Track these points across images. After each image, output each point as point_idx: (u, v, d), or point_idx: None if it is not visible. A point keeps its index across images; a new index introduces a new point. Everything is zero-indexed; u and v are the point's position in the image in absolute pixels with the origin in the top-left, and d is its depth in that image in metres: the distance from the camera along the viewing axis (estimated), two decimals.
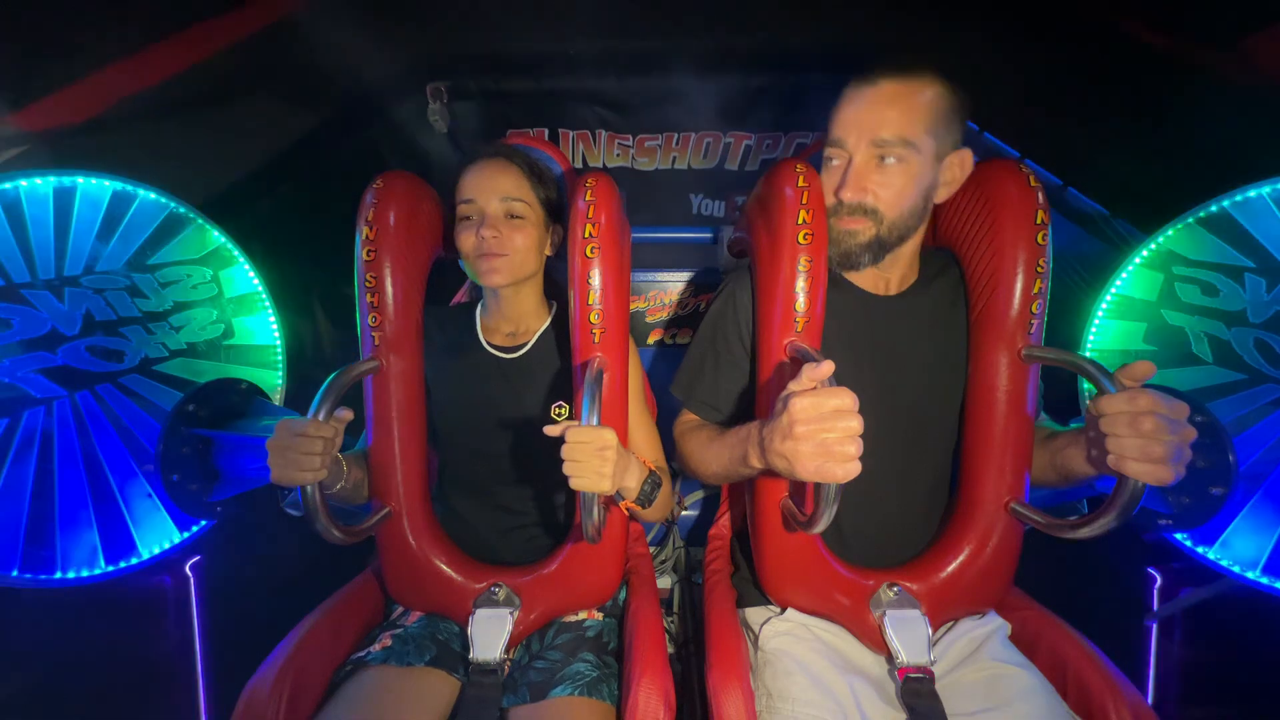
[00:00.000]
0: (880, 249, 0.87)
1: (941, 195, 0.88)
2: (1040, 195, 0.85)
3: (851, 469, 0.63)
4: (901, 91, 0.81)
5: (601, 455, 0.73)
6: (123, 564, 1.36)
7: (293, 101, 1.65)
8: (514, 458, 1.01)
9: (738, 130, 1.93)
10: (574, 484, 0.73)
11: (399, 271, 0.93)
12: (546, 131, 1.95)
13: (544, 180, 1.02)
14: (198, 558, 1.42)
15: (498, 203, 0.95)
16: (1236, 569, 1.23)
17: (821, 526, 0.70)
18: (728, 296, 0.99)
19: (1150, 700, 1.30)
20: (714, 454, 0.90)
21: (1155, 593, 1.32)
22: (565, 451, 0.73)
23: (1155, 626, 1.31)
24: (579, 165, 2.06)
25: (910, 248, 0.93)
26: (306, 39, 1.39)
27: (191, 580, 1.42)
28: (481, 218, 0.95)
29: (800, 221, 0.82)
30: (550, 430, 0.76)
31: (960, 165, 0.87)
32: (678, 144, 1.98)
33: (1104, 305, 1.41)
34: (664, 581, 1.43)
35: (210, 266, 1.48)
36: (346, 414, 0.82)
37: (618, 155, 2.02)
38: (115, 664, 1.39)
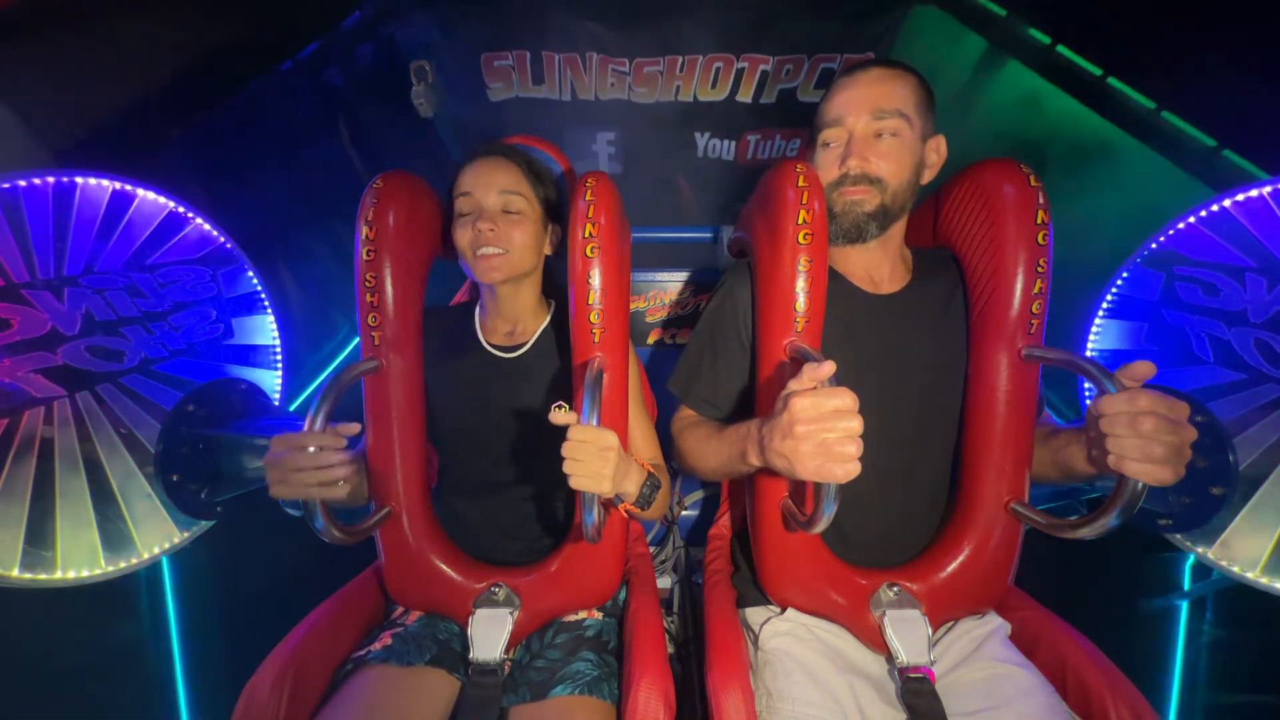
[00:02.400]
0: (885, 218, 0.90)
1: (926, 176, 0.94)
2: (1041, 195, 0.85)
3: (851, 469, 0.63)
4: (890, 75, 0.89)
5: (603, 456, 0.73)
6: (123, 564, 1.36)
7: (210, 11, 1.38)
8: (514, 457, 1.01)
9: (752, 53, 1.65)
10: (574, 483, 0.73)
11: (399, 271, 0.93)
12: (529, 55, 1.69)
13: (543, 179, 1.02)
14: (170, 544, 1.40)
15: (495, 196, 0.95)
16: (1236, 569, 1.23)
17: (821, 526, 0.70)
18: (725, 293, 0.99)
19: (1177, 683, 1.26)
20: (712, 451, 0.90)
21: (1188, 571, 1.28)
22: (566, 450, 0.73)
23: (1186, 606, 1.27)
24: (567, 97, 1.79)
25: (899, 232, 0.96)
26: None
27: (165, 568, 1.40)
28: (478, 211, 0.95)
29: (800, 221, 0.82)
30: (554, 418, 0.75)
31: (937, 150, 0.93)
32: (682, 70, 1.67)
33: (1104, 305, 1.41)
34: (664, 581, 1.43)
35: (210, 266, 1.48)
36: (352, 427, 0.81)
37: (612, 85, 1.74)
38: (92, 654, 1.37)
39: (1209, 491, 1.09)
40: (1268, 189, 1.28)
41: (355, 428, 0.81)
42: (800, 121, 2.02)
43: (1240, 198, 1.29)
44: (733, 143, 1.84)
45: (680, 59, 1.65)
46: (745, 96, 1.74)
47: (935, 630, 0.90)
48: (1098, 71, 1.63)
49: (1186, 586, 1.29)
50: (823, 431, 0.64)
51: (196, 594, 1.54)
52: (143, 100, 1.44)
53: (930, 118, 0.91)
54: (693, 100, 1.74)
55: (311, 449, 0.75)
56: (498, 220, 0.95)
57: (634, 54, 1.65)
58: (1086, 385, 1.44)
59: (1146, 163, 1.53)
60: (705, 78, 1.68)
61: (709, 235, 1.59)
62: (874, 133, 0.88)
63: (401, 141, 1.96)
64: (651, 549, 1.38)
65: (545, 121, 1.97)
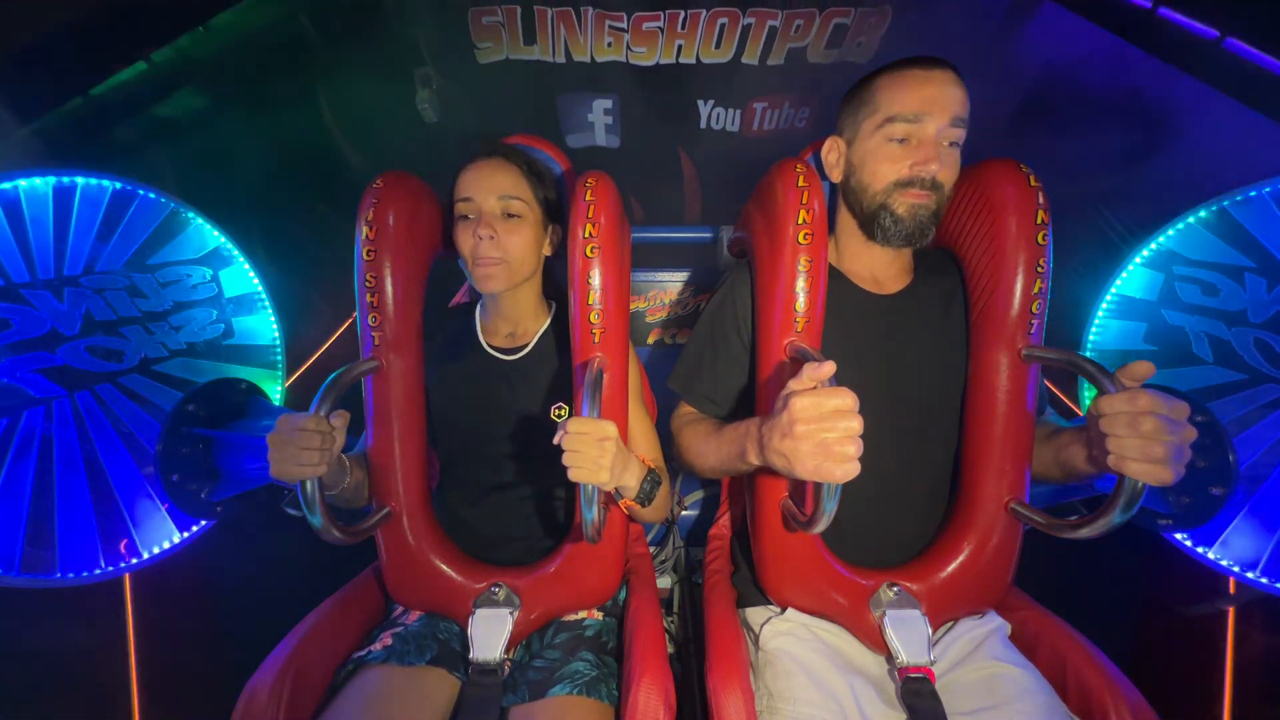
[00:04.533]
0: (938, 222, 0.89)
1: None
2: (1040, 195, 0.85)
3: (850, 469, 0.63)
4: (958, 80, 0.86)
5: (601, 446, 0.73)
6: (123, 564, 1.36)
7: None
8: (514, 459, 1.01)
9: (759, 7, 1.52)
10: (572, 475, 0.73)
11: (399, 271, 0.93)
12: (520, 10, 1.58)
13: (543, 180, 1.02)
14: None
15: (495, 201, 0.95)
16: (1236, 569, 1.23)
17: (821, 526, 0.70)
18: (726, 291, 0.99)
19: (1229, 693, 1.21)
20: (712, 448, 0.90)
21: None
22: (565, 442, 0.73)
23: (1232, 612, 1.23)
24: (561, 59, 1.67)
25: None
26: None
27: (127, 584, 1.39)
28: (479, 216, 0.95)
29: (800, 221, 0.82)
30: (557, 440, 0.75)
31: None
32: (684, 26, 1.55)
33: (1104, 305, 1.42)
34: (664, 581, 1.43)
35: (210, 266, 1.48)
36: (344, 416, 0.83)
37: (609, 45, 1.61)
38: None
39: (1209, 491, 1.09)
40: (1267, 189, 1.28)
41: (345, 415, 0.83)
42: (810, 87, 1.87)
43: (1240, 198, 1.30)
44: (738, 111, 1.69)
45: (682, 14, 1.53)
46: (751, 58, 1.60)
47: (935, 630, 0.90)
48: (1147, 3, 1.46)
49: (1232, 590, 1.25)
50: (822, 431, 0.64)
51: (195, 594, 1.54)
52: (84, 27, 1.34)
53: None
54: (695, 62, 1.60)
55: (314, 429, 0.77)
56: (497, 226, 0.95)
57: (632, 8, 1.53)
58: (1086, 385, 1.44)
59: (1209, 104, 1.40)
60: (709, 35, 1.55)
61: (709, 235, 1.59)
62: (949, 140, 0.86)
63: (380, 99, 1.82)
64: (651, 549, 1.38)
65: (538, 87, 1.85)
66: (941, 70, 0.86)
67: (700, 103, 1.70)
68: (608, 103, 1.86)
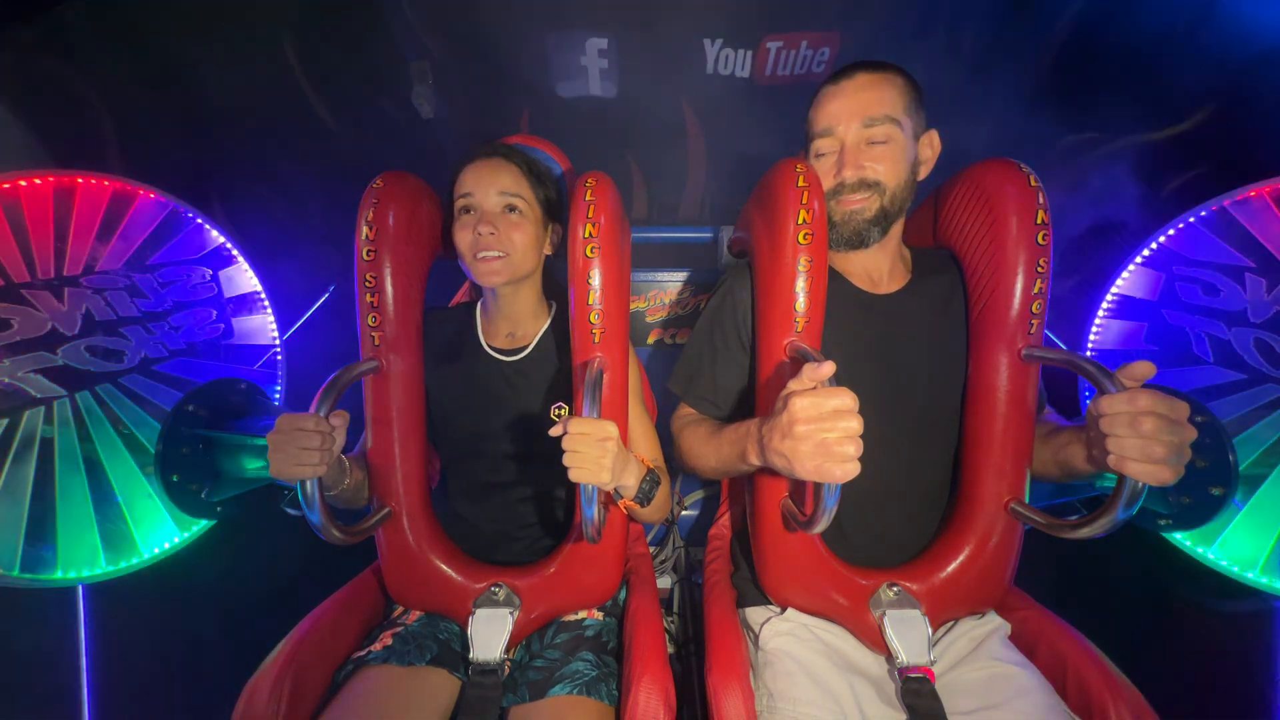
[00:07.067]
0: (886, 221, 0.92)
1: (922, 173, 0.94)
2: (1041, 195, 0.85)
3: (850, 469, 0.63)
4: (877, 80, 0.89)
5: (602, 446, 0.74)
6: (123, 564, 1.36)
7: None
8: (515, 459, 1.01)
9: None
10: (573, 475, 0.74)
11: (399, 271, 0.93)
12: None
13: (543, 179, 1.02)
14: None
15: (495, 198, 0.96)
16: (1236, 569, 1.23)
17: (821, 526, 0.70)
18: (725, 292, 0.99)
19: None
20: (712, 449, 0.90)
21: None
22: (566, 442, 0.73)
23: None
24: None
25: (897, 232, 0.97)
26: None
27: (81, 597, 1.38)
28: (479, 213, 0.95)
29: (800, 221, 0.82)
30: (554, 431, 0.75)
31: (930, 145, 0.93)
32: None
33: (1104, 305, 1.42)
34: (664, 581, 1.43)
35: (210, 266, 1.48)
36: (343, 416, 0.83)
37: None
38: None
39: (1209, 491, 1.09)
40: (1267, 189, 1.28)
41: (345, 415, 0.83)
42: (828, 20, 1.65)
43: (1240, 197, 1.30)
44: (749, 53, 1.48)
45: None
46: None
47: (935, 630, 0.90)
48: None
49: None
50: (822, 431, 0.64)
51: (194, 594, 1.54)
52: None
53: (920, 114, 0.91)
54: None
55: (314, 428, 0.77)
56: (498, 222, 0.95)
57: None
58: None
59: None
60: None
61: (709, 235, 1.59)
62: (865, 140, 0.88)
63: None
64: (651, 549, 1.39)
65: (526, 23, 1.67)
66: (851, 77, 0.90)
67: (707, 42, 1.50)
68: (603, 43, 1.67)
